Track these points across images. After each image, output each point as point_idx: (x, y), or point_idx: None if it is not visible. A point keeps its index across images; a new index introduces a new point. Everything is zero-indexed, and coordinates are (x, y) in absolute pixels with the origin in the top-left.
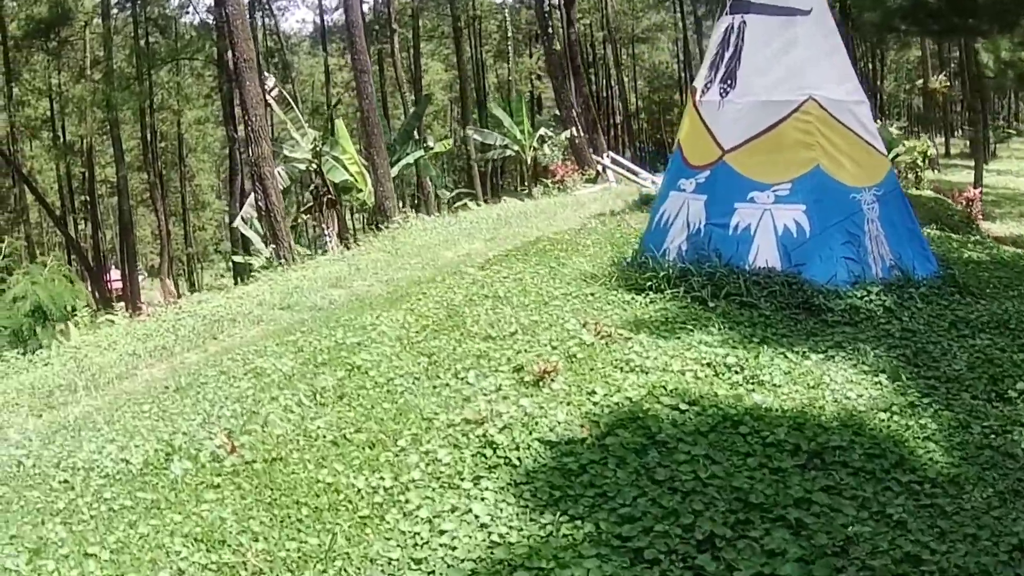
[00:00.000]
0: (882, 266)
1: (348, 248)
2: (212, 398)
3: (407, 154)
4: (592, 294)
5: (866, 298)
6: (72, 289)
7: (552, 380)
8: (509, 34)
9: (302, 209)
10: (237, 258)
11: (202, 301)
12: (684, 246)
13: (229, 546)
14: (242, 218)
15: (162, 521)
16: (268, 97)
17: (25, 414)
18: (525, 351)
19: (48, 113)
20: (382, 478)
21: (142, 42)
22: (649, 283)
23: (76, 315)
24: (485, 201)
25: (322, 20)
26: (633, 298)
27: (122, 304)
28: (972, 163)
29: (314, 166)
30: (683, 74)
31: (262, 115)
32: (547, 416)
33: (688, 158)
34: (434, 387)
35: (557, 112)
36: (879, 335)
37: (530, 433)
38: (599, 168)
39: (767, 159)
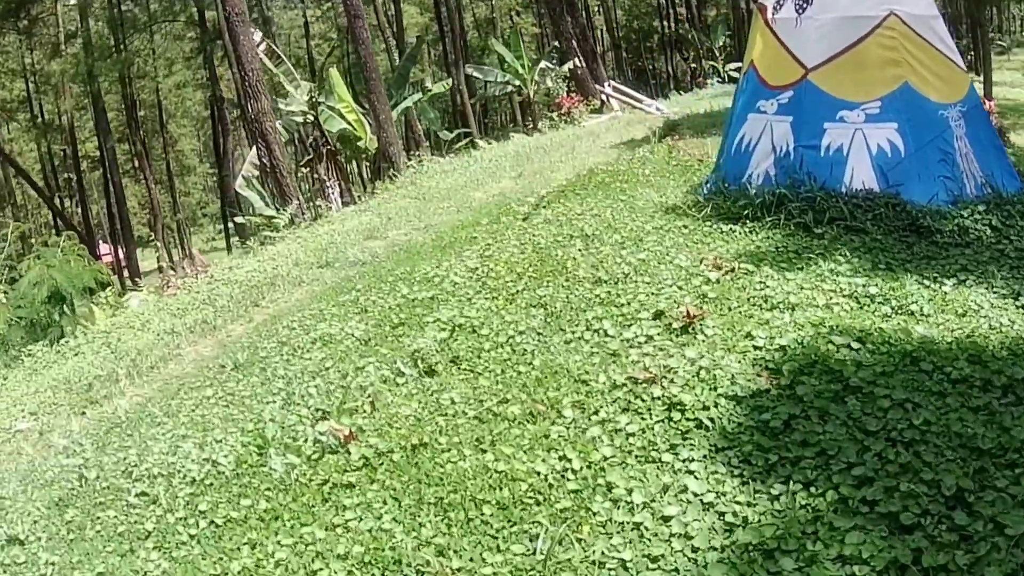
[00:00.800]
0: (975, 184)
1: (352, 201)
2: (284, 374)
3: (404, 98)
4: (685, 227)
5: (971, 218)
6: (91, 269)
7: (702, 325)
8: None
9: (301, 163)
10: (238, 219)
11: (233, 267)
12: (772, 171)
13: (411, 567)
14: (243, 177)
15: (297, 537)
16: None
17: (67, 414)
18: (653, 294)
19: (24, 94)
20: (567, 458)
21: (115, 11)
22: (745, 211)
23: (100, 296)
24: (485, 141)
25: None
26: (732, 229)
27: (146, 279)
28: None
29: (311, 118)
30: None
31: (258, 69)
32: (720, 367)
33: (766, 78)
34: (567, 342)
35: (556, 44)
36: (994, 256)
37: (713, 389)
38: (603, 98)
39: (853, 77)
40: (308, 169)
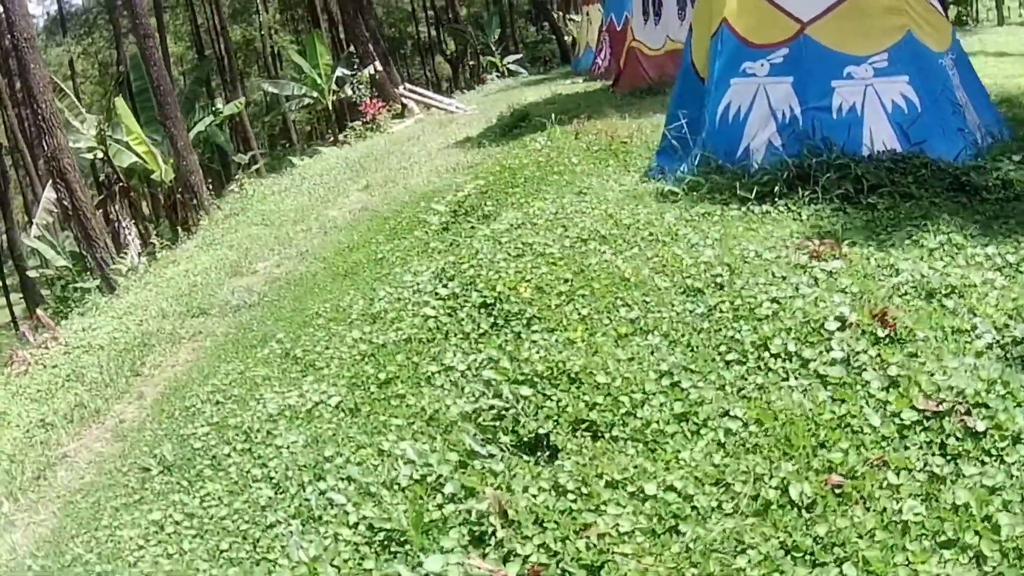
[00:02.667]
0: (982, 134)
1: (147, 240)
2: (261, 473)
3: (195, 123)
4: (706, 213)
5: (1007, 170)
6: None
7: (903, 328)
8: None
9: (94, 204)
10: (32, 273)
11: (86, 328)
12: (777, 140)
13: None
14: (37, 225)
15: None
16: None
17: None
18: (789, 297)
19: None
20: None
21: None
22: (767, 188)
23: None
24: (298, 158)
25: (60, 8)
26: (766, 211)
27: None
28: None
29: (100, 153)
30: (412, 4)
31: (51, 100)
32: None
33: (747, 37)
34: (744, 377)
35: (352, 49)
36: None
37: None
38: (403, 102)
39: (854, 27)
40: (101, 210)
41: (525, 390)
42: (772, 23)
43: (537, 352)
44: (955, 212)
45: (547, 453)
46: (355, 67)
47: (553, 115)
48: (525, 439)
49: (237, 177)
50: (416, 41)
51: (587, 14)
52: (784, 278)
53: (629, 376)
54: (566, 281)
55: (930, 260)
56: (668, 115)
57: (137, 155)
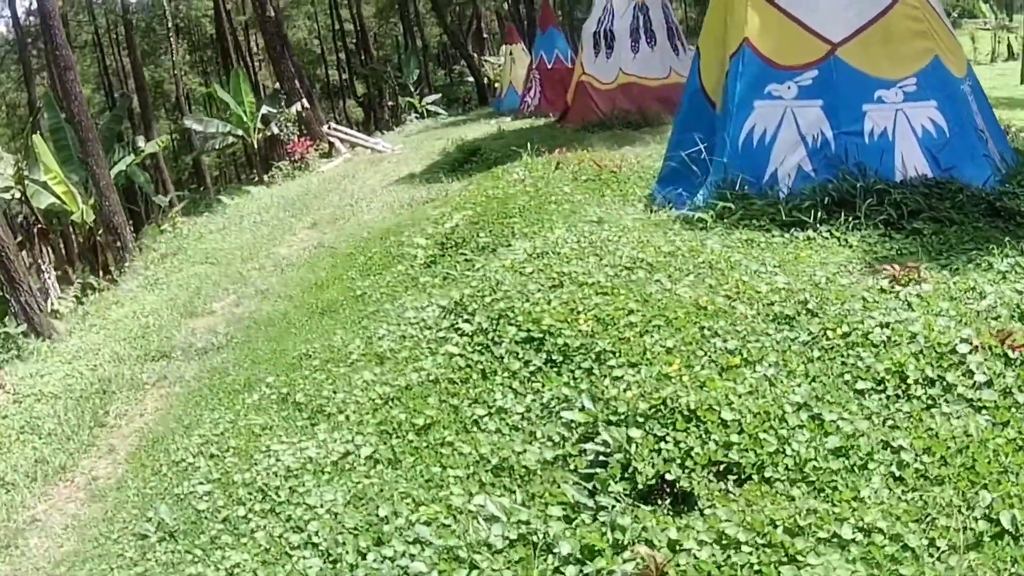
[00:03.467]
0: (999, 160)
1: (68, 283)
2: (296, 539)
3: (115, 162)
4: (748, 240)
5: None
6: None
7: None
8: (170, 24)
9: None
10: None
11: (33, 375)
12: (808, 164)
13: None
14: None
15: None
16: None
17: None
18: (893, 323)
19: None
20: None
21: None
22: (809, 213)
23: None
24: (227, 197)
25: None
26: (810, 237)
27: None
28: None
29: (18, 193)
30: (322, 46)
31: None
32: None
33: (773, 58)
34: (908, 414)
35: (278, 87)
36: None
37: None
38: (330, 141)
39: (883, 51)
40: (22, 252)
41: (634, 432)
42: (799, 44)
43: (627, 389)
44: (999, 237)
45: (670, 500)
46: (282, 104)
47: (529, 146)
48: (642, 486)
49: (171, 215)
50: (326, 84)
51: (509, 54)
52: (876, 303)
53: (759, 411)
54: (630, 312)
55: (1007, 282)
56: (672, 140)
57: (56, 196)
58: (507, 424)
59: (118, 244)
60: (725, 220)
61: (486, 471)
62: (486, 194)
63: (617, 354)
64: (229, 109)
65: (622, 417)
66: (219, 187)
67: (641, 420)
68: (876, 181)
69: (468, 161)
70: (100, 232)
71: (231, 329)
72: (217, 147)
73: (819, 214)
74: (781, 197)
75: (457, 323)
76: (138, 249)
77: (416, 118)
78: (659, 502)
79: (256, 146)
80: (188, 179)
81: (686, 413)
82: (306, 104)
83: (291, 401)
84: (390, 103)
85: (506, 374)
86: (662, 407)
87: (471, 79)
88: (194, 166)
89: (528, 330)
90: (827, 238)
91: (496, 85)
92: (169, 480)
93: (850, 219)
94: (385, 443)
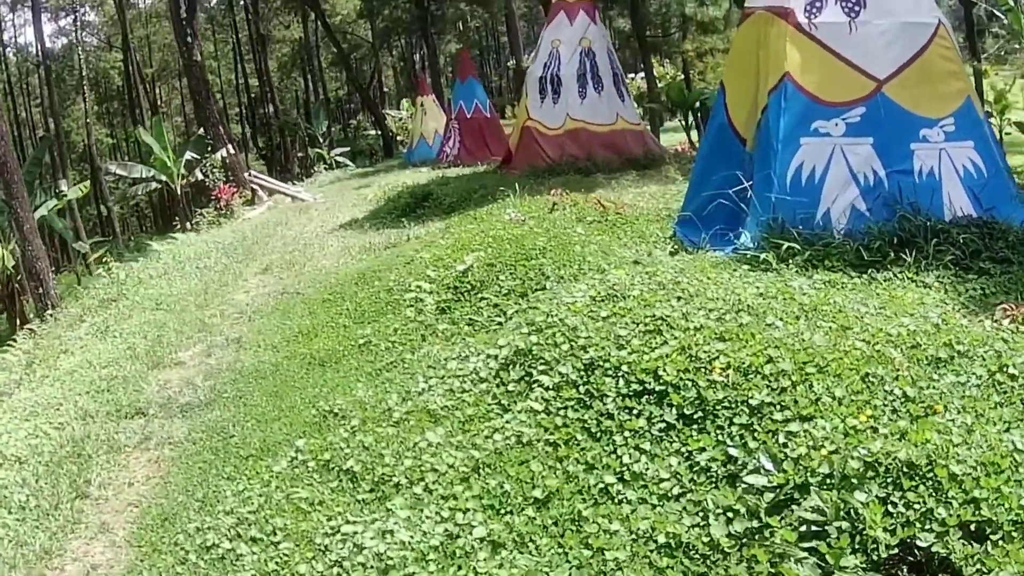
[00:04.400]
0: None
1: None
2: None
3: (35, 207)
4: (829, 282)
5: None
6: None
7: None
8: (84, 72)
9: None
10: None
11: None
12: (861, 204)
13: None
14: None
15: None
16: None
17: None
18: None
19: None
20: None
21: None
22: (877, 255)
23: None
24: (157, 243)
25: None
26: (887, 277)
27: None
28: None
29: None
30: (224, 100)
31: None
32: None
33: (818, 94)
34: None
35: (202, 131)
36: None
37: None
38: (252, 188)
39: (924, 89)
40: None
41: (858, 494)
42: (844, 80)
43: (817, 447)
44: None
45: (913, 570)
46: (208, 150)
47: (517, 186)
48: (878, 558)
49: (106, 261)
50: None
51: (421, 105)
52: (1019, 343)
53: (984, 462)
54: (769, 359)
55: None
56: (694, 178)
57: None
58: (651, 492)
59: (40, 291)
60: (790, 261)
61: (653, 551)
62: (490, 236)
63: (779, 407)
64: (153, 154)
65: (825, 478)
66: (128, 237)
67: (855, 480)
68: (938, 221)
69: (420, 206)
70: (19, 278)
71: (213, 382)
72: (140, 193)
73: (889, 254)
74: (838, 237)
75: (531, 375)
76: (59, 297)
77: (325, 169)
78: (898, 573)
79: (179, 191)
80: (93, 229)
81: (906, 469)
82: (232, 150)
83: (338, 469)
84: (299, 154)
85: (626, 433)
86: (876, 464)
87: (371, 132)
88: (100, 216)
89: (640, 382)
90: (902, 279)
91: (400, 138)
92: (204, 572)
93: (920, 259)
94: (498, 521)
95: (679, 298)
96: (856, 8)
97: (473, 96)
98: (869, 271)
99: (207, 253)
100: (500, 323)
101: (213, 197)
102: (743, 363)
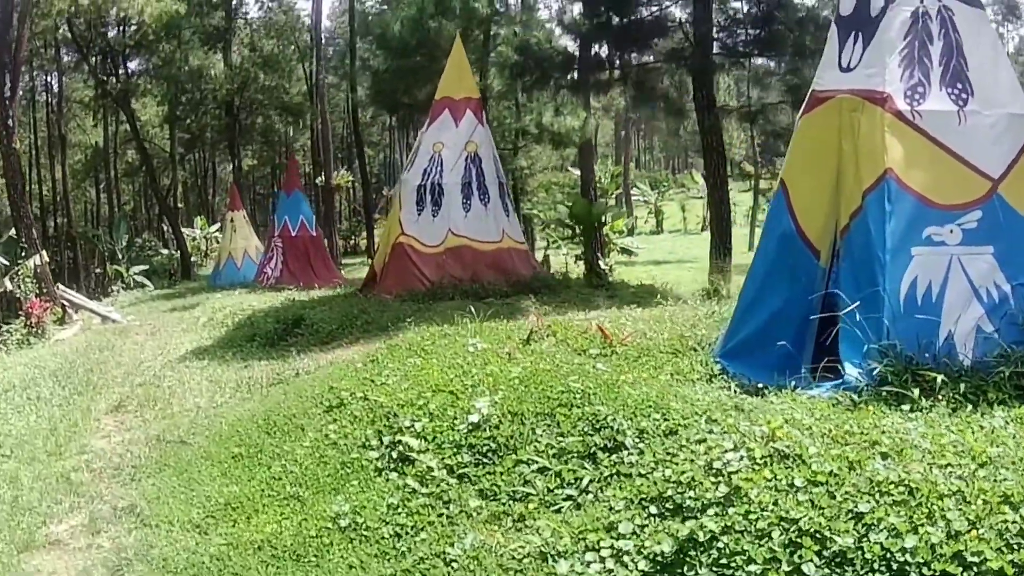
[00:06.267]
0: None
1: None
2: None
3: None
4: (976, 416)
5: None
6: None
7: None
8: None
9: None
10: None
11: None
12: (988, 324)
13: None
14: None
15: None
16: None
17: None
18: None
19: None
20: None
21: None
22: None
23: None
24: None
25: None
26: None
27: None
28: None
29: None
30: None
31: None
32: None
33: (927, 195)
34: None
35: (13, 234)
36: None
37: None
38: (63, 304)
39: None
40: None
41: None
42: (956, 179)
43: None
44: None
45: None
46: (22, 255)
47: (464, 311)
48: None
49: None
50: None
51: (231, 221)
52: None
53: None
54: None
55: None
56: (747, 301)
57: None
58: None
59: None
60: (939, 396)
61: None
62: (476, 374)
63: None
64: None
65: None
66: None
67: None
68: None
69: (290, 333)
70: None
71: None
72: None
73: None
74: (966, 365)
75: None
76: None
77: (124, 288)
78: None
79: None
80: None
81: None
82: (45, 257)
83: None
84: (98, 270)
85: None
86: None
87: (164, 251)
88: None
89: None
90: None
91: (193, 258)
92: None
93: None
94: None
95: (884, 455)
96: (963, 96)
97: (299, 211)
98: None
99: (34, 380)
100: (571, 497)
101: (23, 312)
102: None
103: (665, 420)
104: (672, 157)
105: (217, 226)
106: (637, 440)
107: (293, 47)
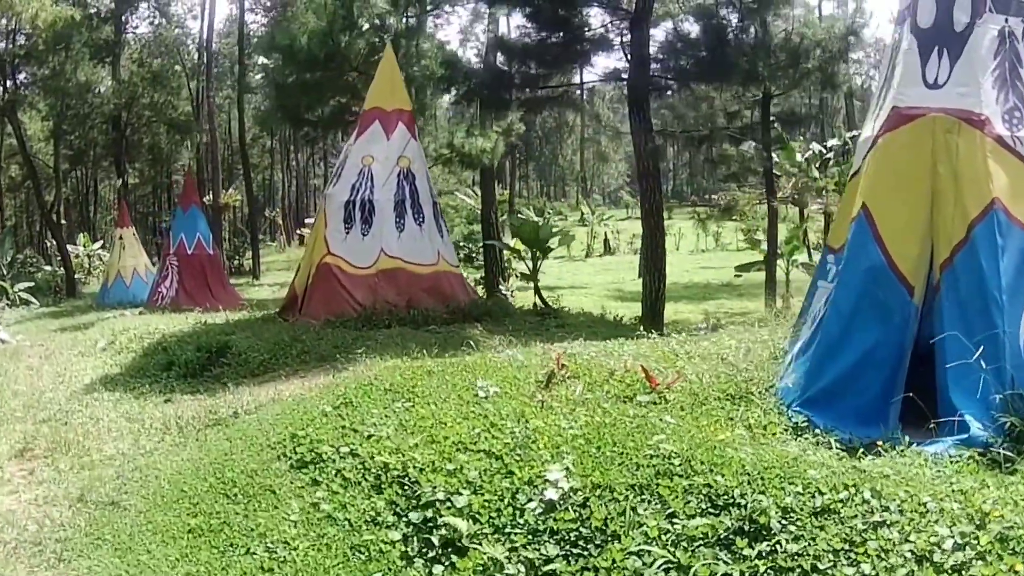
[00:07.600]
0: None
1: None
2: None
3: None
4: None
5: None
6: None
7: None
8: None
9: None
10: None
11: None
12: None
13: None
14: None
15: None
16: None
17: None
18: None
19: None
20: None
21: None
22: None
23: None
24: None
25: None
26: None
27: None
28: None
29: None
30: None
31: None
32: None
33: None
34: None
35: None
36: None
37: None
38: None
39: None
40: None
41: None
42: None
43: None
44: None
45: None
46: None
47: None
48: None
49: None
50: None
51: (119, 238)
52: None
53: None
54: None
55: None
56: (830, 342)
57: None
58: None
59: None
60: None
61: None
62: (543, 433)
63: None
64: None
65: None
66: None
67: None
68: None
69: (215, 363)
70: None
71: None
72: None
73: None
74: None
75: None
76: None
77: (8, 305)
78: None
79: None
80: None
81: None
82: None
83: None
84: None
85: None
86: None
87: (48, 267)
88: None
89: None
90: None
91: (77, 275)
92: None
93: None
94: None
95: None
96: None
97: (196, 229)
98: None
99: None
100: None
101: None
102: None
103: (809, 494)
104: (550, 185)
105: (100, 243)
106: (784, 522)
107: (179, 66)
